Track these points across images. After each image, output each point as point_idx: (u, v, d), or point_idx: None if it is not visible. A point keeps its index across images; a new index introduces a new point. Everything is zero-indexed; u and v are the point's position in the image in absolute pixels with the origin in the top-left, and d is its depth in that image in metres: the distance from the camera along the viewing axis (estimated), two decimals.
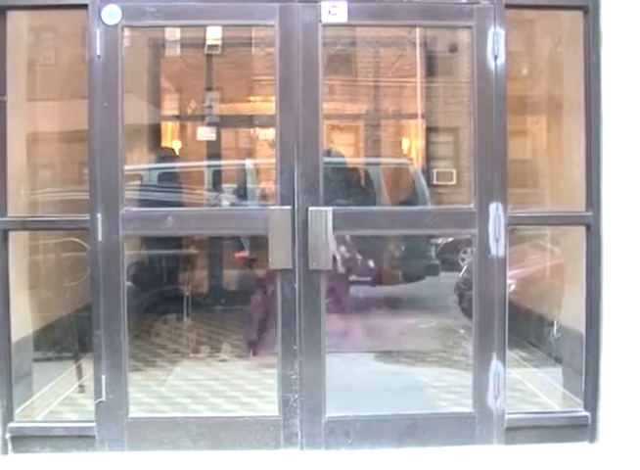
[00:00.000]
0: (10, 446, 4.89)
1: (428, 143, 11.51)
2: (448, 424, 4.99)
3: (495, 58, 4.87)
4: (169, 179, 9.18)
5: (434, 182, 11.08)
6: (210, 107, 11.47)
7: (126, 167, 5.05)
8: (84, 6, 4.79)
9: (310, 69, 4.84)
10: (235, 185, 9.84)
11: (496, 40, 4.86)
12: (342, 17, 4.85)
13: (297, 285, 4.85)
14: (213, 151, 10.80)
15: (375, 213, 5.56)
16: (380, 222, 5.13)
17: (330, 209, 4.83)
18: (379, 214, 5.48)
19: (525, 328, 6.70)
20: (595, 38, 4.89)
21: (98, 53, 4.77)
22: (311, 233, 4.80)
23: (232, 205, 8.34)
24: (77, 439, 4.89)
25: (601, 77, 4.86)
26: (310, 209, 4.81)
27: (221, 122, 11.49)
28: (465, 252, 8.67)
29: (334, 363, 5.11)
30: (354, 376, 5.93)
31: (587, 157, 4.99)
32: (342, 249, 6.34)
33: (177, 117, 11.68)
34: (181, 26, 7.74)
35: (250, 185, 9.66)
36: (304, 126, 4.84)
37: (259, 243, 5.67)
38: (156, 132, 10.51)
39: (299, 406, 4.88)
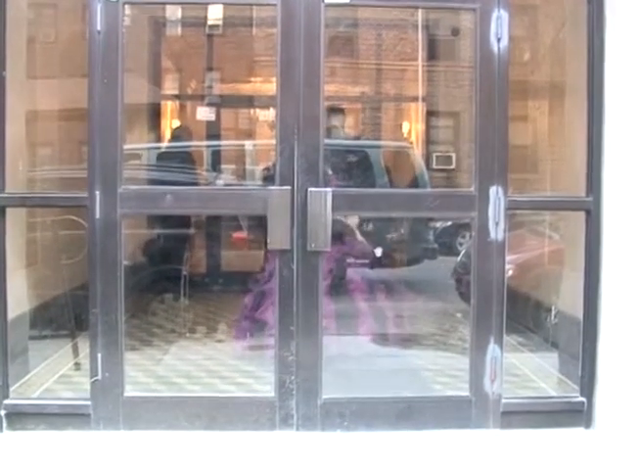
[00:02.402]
0: (5, 424, 4.89)
1: (428, 127, 11.48)
2: (444, 407, 5.00)
3: (498, 41, 4.84)
4: (169, 159, 9.16)
5: (434, 166, 11.08)
6: (211, 87, 11.43)
7: (126, 146, 5.04)
8: None
9: (312, 49, 4.81)
10: (234, 165, 9.83)
11: (500, 23, 4.83)
12: None
13: (295, 266, 4.83)
14: (213, 131, 10.78)
15: (374, 196, 5.52)
16: (379, 205, 5.11)
17: (329, 190, 4.82)
18: (378, 196, 5.46)
19: (522, 313, 6.70)
20: (599, 23, 4.87)
21: (98, 29, 4.73)
22: (310, 214, 4.78)
23: (226, 185, 8.32)
24: (72, 417, 4.89)
25: (604, 63, 4.85)
26: (310, 189, 4.79)
27: (221, 103, 11.46)
28: (463, 236, 8.66)
29: (330, 345, 5.11)
30: (351, 358, 5.93)
31: (588, 142, 4.97)
32: (341, 231, 6.33)
33: (177, 97, 11.63)
34: (182, 4, 7.74)
35: (249, 166, 9.65)
36: (305, 107, 4.82)
37: (258, 223, 5.66)
38: (155, 111, 10.47)
39: (295, 388, 4.87)
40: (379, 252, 6.82)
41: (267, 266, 6.07)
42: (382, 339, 6.53)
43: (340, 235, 6.15)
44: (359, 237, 6.76)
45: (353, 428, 4.90)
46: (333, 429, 4.89)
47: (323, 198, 4.78)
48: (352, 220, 6.54)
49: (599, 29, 4.88)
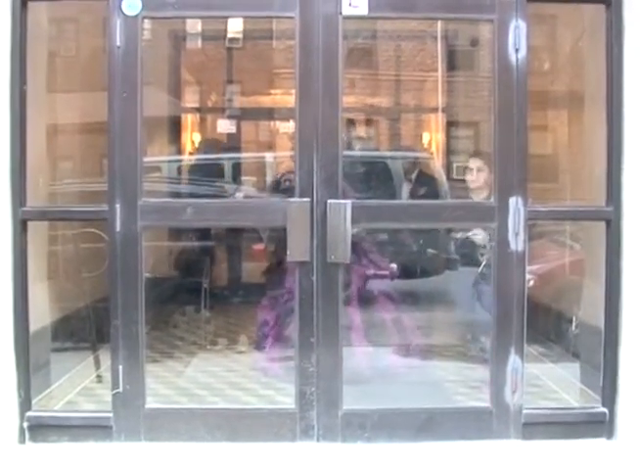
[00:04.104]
0: (27, 436, 4.91)
1: (448, 137, 11.46)
2: (465, 418, 4.99)
3: (517, 51, 4.84)
4: (191, 171, 9.23)
5: (454, 176, 11.04)
6: (231, 99, 11.48)
7: (146, 159, 5.07)
8: None
9: (330, 61, 4.82)
10: (254, 177, 9.86)
11: (518, 34, 4.83)
12: (362, 9, 4.84)
13: (314, 277, 4.84)
14: (233, 143, 10.82)
15: (394, 207, 5.52)
16: (399, 216, 5.11)
17: (349, 202, 4.82)
18: (398, 208, 5.46)
19: (543, 323, 6.68)
20: (617, 31, 4.86)
21: (118, 44, 4.77)
22: (330, 226, 4.78)
23: (246, 197, 8.34)
24: (94, 429, 4.91)
25: (623, 71, 4.84)
26: (329, 201, 4.79)
27: (241, 115, 11.50)
28: (484, 247, 8.62)
29: (351, 356, 5.10)
30: (371, 369, 5.92)
31: (608, 151, 4.96)
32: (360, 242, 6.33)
33: (197, 110, 11.68)
34: (201, 18, 7.75)
35: (269, 178, 9.66)
36: (324, 119, 4.83)
37: (277, 236, 5.67)
38: (176, 124, 10.52)
39: (316, 399, 4.87)
40: (394, 267, 6.84)
41: (287, 278, 6.06)
42: (402, 349, 6.51)
43: (359, 247, 6.14)
44: (378, 249, 6.76)
45: (374, 439, 4.89)
46: (354, 440, 4.89)
47: (342, 210, 4.78)
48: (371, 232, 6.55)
49: (618, 38, 4.86)
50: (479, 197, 6.32)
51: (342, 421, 4.88)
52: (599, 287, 5.07)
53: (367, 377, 5.68)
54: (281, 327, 6.32)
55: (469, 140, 10.77)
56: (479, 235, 6.33)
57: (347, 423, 4.89)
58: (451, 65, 11.34)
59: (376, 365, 6.14)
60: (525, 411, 4.93)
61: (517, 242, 4.88)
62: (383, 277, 6.80)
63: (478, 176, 6.50)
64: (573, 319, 6.18)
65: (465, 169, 6.78)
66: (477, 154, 7.06)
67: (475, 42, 10.62)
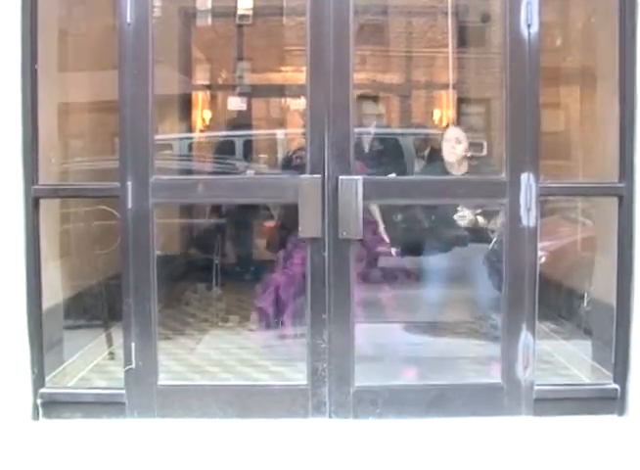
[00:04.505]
0: (41, 412, 4.95)
1: (459, 114, 11.42)
2: (476, 394, 4.99)
3: (529, 27, 4.80)
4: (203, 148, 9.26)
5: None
6: (241, 77, 11.46)
7: (157, 137, 5.08)
8: None
9: (341, 37, 4.80)
10: (265, 154, 9.87)
11: (530, 9, 4.80)
12: None
13: (326, 254, 4.84)
14: (244, 121, 10.81)
15: (405, 183, 5.51)
16: (410, 192, 5.11)
17: (360, 178, 4.82)
18: (409, 184, 5.45)
19: (555, 300, 6.67)
20: (631, 7, 4.82)
21: (128, 20, 4.76)
22: (341, 202, 4.78)
23: (257, 173, 8.35)
24: (107, 405, 4.94)
25: (636, 47, 4.80)
26: (341, 178, 4.79)
27: (252, 92, 11.48)
28: (495, 223, 8.59)
29: (362, 332, 5.10)
30: (382, 346, 5.92)
31: (621, 128, 4.93)
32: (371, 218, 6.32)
33: (208, 87, 11.66)
34: None
35: (280, 154, 9.66)
36: (335, 96, 4.81)
37: (289, 212, 5.66)
38: (186, 102, 10.51)
39: (328, 375, 4.89)
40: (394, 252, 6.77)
41: (299, 255, 6.06)
42: (413, 326, 6.50)
43: (370, 223, 6.14)
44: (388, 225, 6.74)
45: (385, 415, 4.91)
46: (365, 416, 4.91)
47: (354, 186, 4.77)
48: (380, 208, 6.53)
49: (631, 14, 4.82)
50: (458, 172, 6.13)
51: (354, 398, 4.90)
52: (611, 263, 5.06)
53: (377, 354, 5.66)
54: (293, 304, 6.32)
55: (480, 117, 10.72)
56: (465, 217, 6.08)
57: (359, 400, 4.91)
58: (462, 41, 11.28)
59: (385, 342, 6.12)
60: (536, 388, 4.94)
61: (529, 218, 4.86)
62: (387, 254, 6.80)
63: (456, 148, 6.15)
64: (585, 296, 6.17)
65: (441, 141, 6.34)
66: (455, 124, 6.71)
67: (486, 18, 10.57)
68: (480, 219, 6.06)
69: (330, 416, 4.91)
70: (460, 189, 5.12)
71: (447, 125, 6.54)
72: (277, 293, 6.53)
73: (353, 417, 4.91)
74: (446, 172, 6.09)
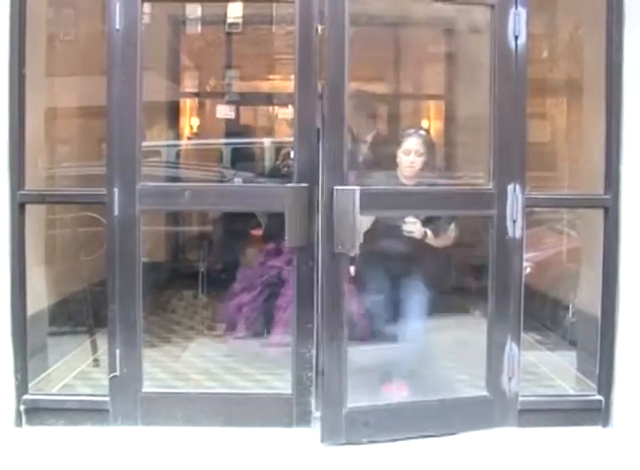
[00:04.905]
0: (24, 419, 4.92)
1: (447, 124, 11.43)
2: (460, 406, 4.98)
3: (516, 38, 4.82)
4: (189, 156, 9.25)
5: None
6: (230, 85, 11.44)
7: (145, 144, 5.07)
8: None
9: (335, 45, 4.73)
10: (253, 163, 9.87)
11: (517, 20, 4.81)
12: None
13: (315, 265, 4.81)
14: (232, 129, 10.81)
15: (402, 194, 5.30)
16: (408, 203, 5.07)
17: (357, 188, 4.61)
18: (407, 195, 5.28)
19: (540, 311, 6.67)
20: (618, 18, 4.85)
21: (117, 27, 4.75)
22: (337, 214, 4.60)
23: (245, 182, 8.33)
24: (91, 412, 4.92)
25: (623, 59, 4.83)
26: (336, 188, 4.61)
27: (241, 100, 11.47)
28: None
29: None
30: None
31: (607, 139, 4.95)
32: None
33: (196, 95, 11.66)
34: (201, 2, 7.72)
35: (267, 163, 9.67)
36: (329, 104, 4.73)
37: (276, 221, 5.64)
38: (174, 109, 10.51)
39: (313, 385, 4.87)
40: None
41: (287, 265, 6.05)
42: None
43: None
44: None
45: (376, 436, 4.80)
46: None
47: (351, 197, 4.59)
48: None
49: (618, 25, 4.85)
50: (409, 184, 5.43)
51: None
52: (596, 275, 5.07)
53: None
54: (280, 312, 6.30)
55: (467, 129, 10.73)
56: (414, 230, 5.34)
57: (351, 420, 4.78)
58: (450, 51, 11.29)
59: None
60: (521, 398, 4.95)
61: (514, 229, 4.88)
62: None
63: (416, 161, 5.38)
64: (570, 307, 6.19)
65: (397, 150, 5.46)
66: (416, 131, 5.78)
67: (473, 29, 10.58)
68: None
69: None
70: (452, 200, 5.10)
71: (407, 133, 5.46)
72: (257, 301, 6.53)
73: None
74: None
